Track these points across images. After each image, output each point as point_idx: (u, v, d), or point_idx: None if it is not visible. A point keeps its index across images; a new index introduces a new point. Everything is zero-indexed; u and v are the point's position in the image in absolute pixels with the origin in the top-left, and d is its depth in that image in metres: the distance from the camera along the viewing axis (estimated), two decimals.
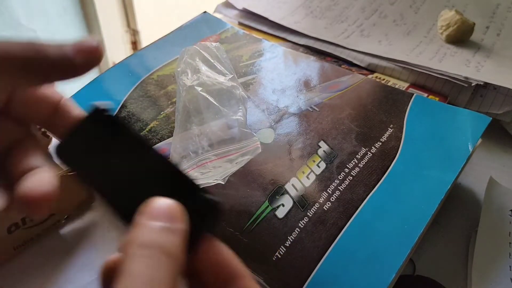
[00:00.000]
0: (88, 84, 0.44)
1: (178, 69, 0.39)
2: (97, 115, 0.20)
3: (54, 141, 0.35)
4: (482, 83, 0.43)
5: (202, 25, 0.51)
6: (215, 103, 0.36)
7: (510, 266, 0.33)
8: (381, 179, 0.34)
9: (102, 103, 0.20)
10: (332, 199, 0.32)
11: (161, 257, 0.16)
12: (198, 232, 0.17)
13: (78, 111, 0.23)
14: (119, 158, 0.19)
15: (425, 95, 0.45)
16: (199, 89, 0.36)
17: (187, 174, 0.18)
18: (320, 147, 0.36)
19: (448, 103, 0.45)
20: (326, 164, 0.35)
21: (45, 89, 0.23)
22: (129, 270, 0.15)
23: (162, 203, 0.17)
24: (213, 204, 0.18)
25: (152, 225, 0.16)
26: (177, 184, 0.18)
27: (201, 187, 0.18)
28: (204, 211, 0.17)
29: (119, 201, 0.18)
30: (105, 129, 0.20)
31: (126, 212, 0.17)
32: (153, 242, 0.16)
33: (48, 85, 0.23)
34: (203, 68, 0.38)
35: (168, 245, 0.16)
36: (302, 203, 0.32)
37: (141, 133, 0.38)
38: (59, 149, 0.20)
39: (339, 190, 0.33)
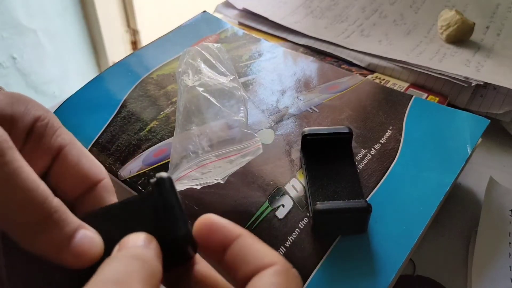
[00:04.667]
0: (88, 83, 0.44)
1: (179, 70, 0.39)
2: None
3: None
4: (482, 83, 0.43)
5: (202, 24, 0.51)
6: (216, 103, 0.36)
7: (510, 266, 0.33)
8: (380, 180, 0.34)
9: None
10: None
11: (132, 261, 0.17)
12: (173, 258, 0.20)
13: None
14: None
15: (425, 95, 0.45)
16: (200, 89, 0.36)
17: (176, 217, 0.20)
18: None
19: (448, 103, 0.45)
20: None
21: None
22: (102, 269, 0.17)
23: (139, 235, 0.19)
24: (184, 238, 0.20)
25: (129, 245, 0.18)
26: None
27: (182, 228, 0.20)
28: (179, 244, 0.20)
29: None
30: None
31: None
32: (128, 251, 0.18)
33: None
34: (205, 69, 0.38)
35: (140, 253, 0.18)
36: (302, 203, 0.32)
37: (141, 133, 0.38)
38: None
39: None
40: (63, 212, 0.19)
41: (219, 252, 0.19)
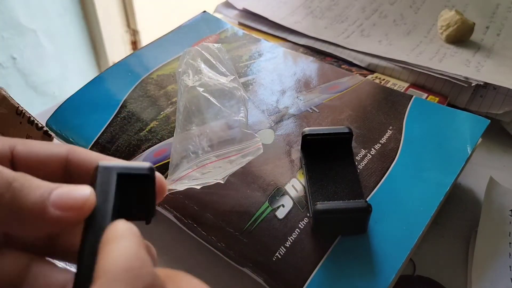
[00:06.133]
0: (88, 83, 0.44)
1: (179, 70, 0.39)
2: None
3: (55, 141, 0.35)
4: (482, 83, 0.43)
5: (202, 24, 0.51)
6: (216, 103, 0.36)
7: (510, 266, 0.33)
8: (380, 180, 0.34)
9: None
10: None
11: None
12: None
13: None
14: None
15: (425, 95, 0.46)
16: (200, 89, 0.36)
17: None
18: None
19: (448, 103, 0.45)
20: None
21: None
22: None
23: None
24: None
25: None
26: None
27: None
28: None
29: None
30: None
31: None
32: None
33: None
34: (205, 69, 0.38)
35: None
36: (302, 204, 0.32)
37: (141, 133, 0.38)
38: None
39: None
40: (25, 180, 0.18)
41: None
